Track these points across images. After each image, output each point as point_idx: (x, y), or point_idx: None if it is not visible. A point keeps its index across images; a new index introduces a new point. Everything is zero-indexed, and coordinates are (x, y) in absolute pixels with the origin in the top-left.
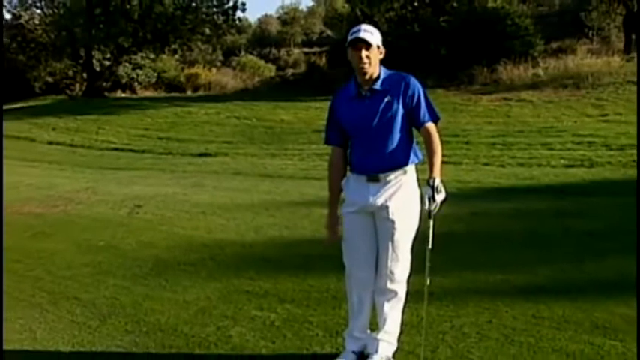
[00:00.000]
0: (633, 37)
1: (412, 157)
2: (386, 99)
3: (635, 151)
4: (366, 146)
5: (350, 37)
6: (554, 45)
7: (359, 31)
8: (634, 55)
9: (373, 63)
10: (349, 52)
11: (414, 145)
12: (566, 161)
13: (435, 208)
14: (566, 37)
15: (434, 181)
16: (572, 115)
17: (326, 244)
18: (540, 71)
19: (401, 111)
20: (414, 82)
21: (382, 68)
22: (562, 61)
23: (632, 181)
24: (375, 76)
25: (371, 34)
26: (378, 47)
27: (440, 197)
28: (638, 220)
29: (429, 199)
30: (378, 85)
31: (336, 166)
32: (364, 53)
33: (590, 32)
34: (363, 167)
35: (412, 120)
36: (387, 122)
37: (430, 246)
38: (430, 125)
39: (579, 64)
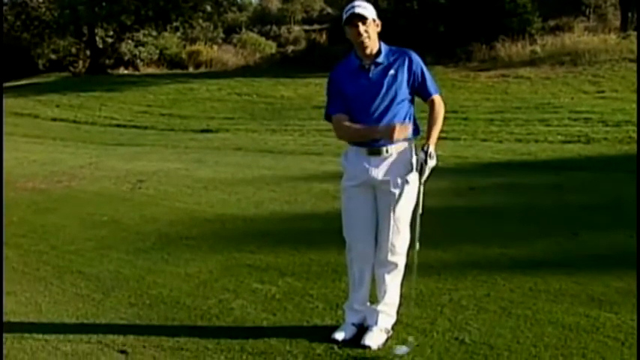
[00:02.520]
0: (629, 14)
1: (413, 130)
2: (390, 72)
3: (630, 127)
4: (368, 119)
5: (345, 15)
6: (552, 22)
7: (353, 7)
8: (630, 32)
9: (372, 37)
10: (347, 30)
11: (415, 118)
12: (563, 137)
13: (425, 173)
14: (563, 14)
15: (428, 147)
16: (569, 92)
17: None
18: (538, 48)
19: (404, 84)
20: (416, 57)
21: (382, 43)
22: (559, 39)
23: (627, 156)
24: (375, 50)
25: (365, 8)
26: (374, 20)
27: (431, 163)
28: (637, 194)
29: (421, 163)
30: (380, 59)
31: (345, 121)
32: (362, 28)
33: (587, 10)
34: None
35: (419, 93)
36: (392, 95)
37: (420, 211)
38: (436, 97)
39: (576, 41)
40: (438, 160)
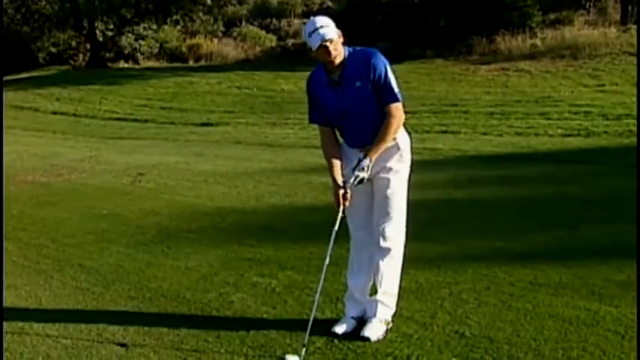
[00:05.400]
0: (629, 8)
1: None
2: (356, 84)
3: (630, 121)
4: (351, 128)
5: (311, 40)
6: (552, 16)
7: (317, 30)
8: (630, 26)
9: (339, 52)
10: (314, 52)
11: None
12: (563, 130)
13: (352, 181)
14: (563, 8)
15: (364, 159)
16: (569, 85)
17: (338, 213)
18: (538, 42)
19: (371, 93)
20: (378, 62)
21: (345, 49)
22: (559, 32)
23: (627, 150)
24: (341, 60)
25: (328, 27)
26: (339, 36)
27: (360, 174)
28: (637, 188)
29: (352, 170)
30: (346, 71)
31: (329, 144)
32: (331, 49)
33: (587, 3)
34: (354, 143)
35: (378, 100)
36: (363, 106)
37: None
38: (392, 106)
39: (576, 35)
40: (366, 176)
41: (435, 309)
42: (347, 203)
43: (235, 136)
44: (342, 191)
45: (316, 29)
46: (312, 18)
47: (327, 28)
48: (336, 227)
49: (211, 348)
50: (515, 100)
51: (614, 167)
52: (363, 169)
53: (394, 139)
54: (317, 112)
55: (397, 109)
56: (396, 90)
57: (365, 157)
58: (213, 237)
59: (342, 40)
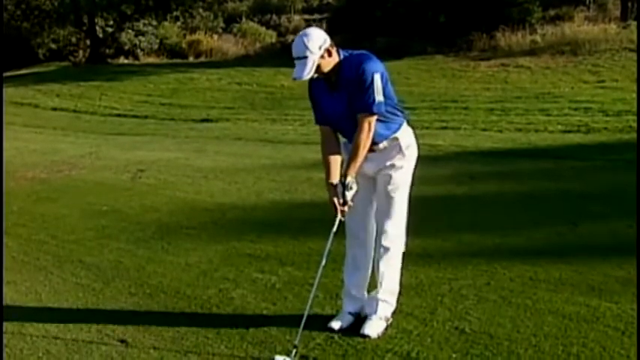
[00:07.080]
0: (629, 4)
1: (399, 121)
2: (350, 89)
3: (630, 117)
4: (350, 130)
5: (294, 70)
6: (552, 12)
7: (296, 64)
8: (630, 22)
9: (329, 64)
10: None
11: (396, 108)
12: (563, 126)
13: (350, 202)
14: (563, 4)
15: (345, 179)
16: (569, 82)
17: (336, 217)
18: (538, 38)
19: None
20: (367, 67)
21: (340, 53)
22: (559, 28)
23: (627, 146)
24: (334, 65)
25: (311, 51)
26: (325, 51)
27: (350, 194)
28: (637, 183)
29: (341, 194)
30: (340, 77)
31: (328, 143)
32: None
33: None
34: None
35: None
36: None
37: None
38: (361, 116)
39: (576, 31)
40: (358, 186)
41: (434, 305)
42: (345, 211)
43: (235, 133)
44: (340, 207)
45: (295, 59)
46: (296, 37)
47: (310, 52)
48: (334, 229)
49: (211, 344)
50: (515, 96)
51: (614, 163)
52: (351, 188)
53: (396, 139)
54: (318, 112)
55: (366, 122)
56: (376, 100)
57: (344, 177)
58: (213, 233)
59: (332, 49)
